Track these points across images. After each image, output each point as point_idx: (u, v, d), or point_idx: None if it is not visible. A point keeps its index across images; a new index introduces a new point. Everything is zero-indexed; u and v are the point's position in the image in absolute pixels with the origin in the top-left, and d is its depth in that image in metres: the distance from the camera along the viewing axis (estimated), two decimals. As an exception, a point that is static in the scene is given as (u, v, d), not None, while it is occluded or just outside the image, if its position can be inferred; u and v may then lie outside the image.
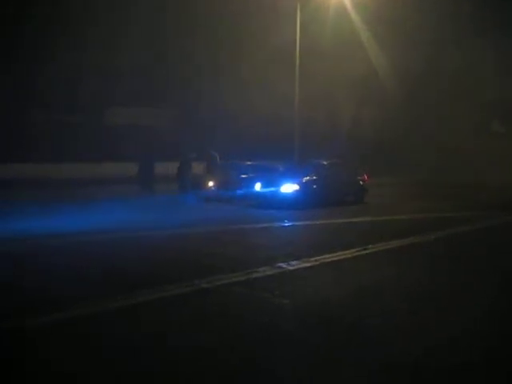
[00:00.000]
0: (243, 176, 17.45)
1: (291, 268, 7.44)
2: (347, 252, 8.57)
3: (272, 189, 15.70)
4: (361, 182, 17.38)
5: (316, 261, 7.88)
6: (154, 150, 19.46)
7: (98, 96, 24.54)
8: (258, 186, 16.06)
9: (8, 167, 20.79)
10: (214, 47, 26.56)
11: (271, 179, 16.26)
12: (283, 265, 7.54)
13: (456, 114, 32.99)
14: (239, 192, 16.66)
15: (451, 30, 30.37)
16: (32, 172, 21.01)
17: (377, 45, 29.10)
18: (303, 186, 15.60)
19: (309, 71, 23.39)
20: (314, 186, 15.84)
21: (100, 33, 23.26)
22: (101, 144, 23.32)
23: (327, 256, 8.19)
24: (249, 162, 18.71)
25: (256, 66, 25.89)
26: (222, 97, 26.82)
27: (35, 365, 4.23)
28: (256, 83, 26.34)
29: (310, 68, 23.70)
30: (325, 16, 24.33)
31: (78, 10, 23.41)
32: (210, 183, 16.75)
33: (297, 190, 15.42)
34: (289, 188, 15.49)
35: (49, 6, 22.83)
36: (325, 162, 17.11)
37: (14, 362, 4.28)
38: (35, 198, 15.99)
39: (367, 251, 8.75)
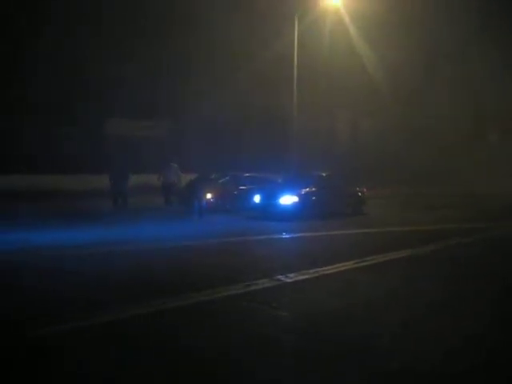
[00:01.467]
0: (242, 188, 17.43)
1: (289, 280, 7.37)
2: (346, 264, 8.50)
3: (271, 200, 15.67)
4: (359, 194, 17.36)
5: (315, 272, 7.82)
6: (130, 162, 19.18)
7: (97, 108, 24.67)
8: (256, 198, 16.02)
9: (7, 179, 20.80)
10: (212, 59, 26.71)
11: (270, 191, 16.25)
12: (282, 277, 7.48)
13: (454, 124, 33.14)
14: (238, 204, 16.63)
15: (449, 40, 30.59)
16: (32, 184, 21.05)
17: (374, 55, 29.27)
18: (302, 197, 15.58)
19: (307, 82, 23.46)
20: (313, 198, 15.82)
21: (100, 44, 23.48)
22: (100, 155, 23.33)
23: (326, 268, 8.13)
24: (247, 174, 18.68)
25: (254, 78, 26.04)
26: (221, 108, 26.93)
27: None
28: (254, 94, 26.48)
29: (308, 79, 23.79)
30: (322, 27, 24.51)
31: (78, 21, 23.59)
32: (209, 195, 16.68)
33: (296, 202, 15.39)
34: (288, 200, 15.46)
35: (52, 18, 23.02)
36: (324, 174, 17.12)
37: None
38: (35, 210, 16.03)
39: (366, 263, 8.68)
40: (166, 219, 15.26)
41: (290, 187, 16.25)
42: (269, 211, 15.45)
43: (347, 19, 24.31)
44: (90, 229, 12.74)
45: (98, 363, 4.41)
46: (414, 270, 8.44)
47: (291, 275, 7.59)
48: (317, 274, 7.75)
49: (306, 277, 7.60)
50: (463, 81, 33.43)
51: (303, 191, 15.84)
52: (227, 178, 18.25)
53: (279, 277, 7.49)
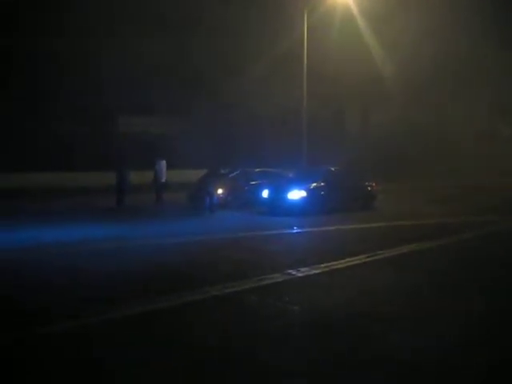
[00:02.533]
0: (253, 183, 17.41)
1: (301, 275, 7.42)
2: (356, 258, 8.53)
3: (279, 195, 15.65)
4: (369, 188, 17.28)
5: (326, 267, 7.86)
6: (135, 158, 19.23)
7: (110, 105, 24.77)
8: (265, 193, 16.02)
9: (22, 176, 20.99)
10: (222, 55, 26.67)
11: (278, 186, 16.22)
12: (293, 271, 7.53)
13: (462, 118, 32.90)
14: (248, 199, 16.59)
15: (457, 33, 30.35)
16: (46, 181, 21.23)
17: (382, 49, 29.08)
18: (310, 192, 15.53)
19: (316, 76, 23.32)
20: (322, 193, 15.76)
21: (112, 43, 23.56)
22: (113, 152, 23.42)
23: (336, 262, 8.16)
24: (258, 169, 18.64)
25: (265, 72, 26.00)
26: (232, 104, 26.93)
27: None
28: (263, 89, 26.44)
29: (318, 73, 23.65)
30: (332, 21, 24.39)
31: (92, 21, 23.68)
32: (219, 191, 16.69)
33: (304, 197, 15.35)
34: (296, 195, 15.43)
35: (67, 19, 23.12)
36: (332, 168, 17.05)
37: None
38: (48, 207, 16.23)
39: (377, 257, 8.70)
40: (178, 215, 15.34)
41: (298, 182, 16.21)
42: (277, 206, 15.43)
43: (356, 13, 24.13)
44: (102, 225, 12.86)
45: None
46: (424, 264, 8.42)
47: (302, 270, 7.64)
48: (328, 269, 7.78)
49: (317, 271, 7.64)
50: (474, 72, 33.17)
51: (311, 186, 15.77)
52: (237, 173, 18.25)
53: (290, 271, 7.54)
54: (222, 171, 17.33)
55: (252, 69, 26.21)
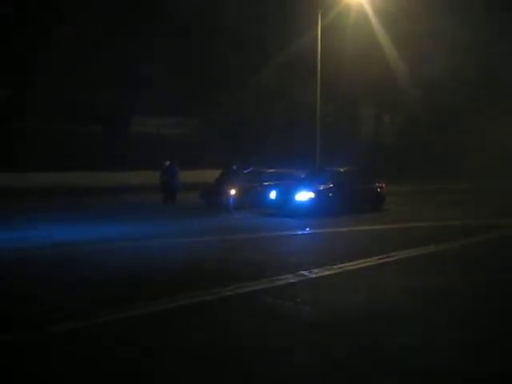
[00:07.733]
0: (265, 184, 17.31)
1: (313, 276, 7.32)
2: (369, 260, 8.40)
3: (287, 197, 15.52)
4: (378, 190, 17.12)
5: (339, 268, 7.75)
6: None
7: (123, 106, 24.80)
8: (272, 194, 15.90)
9: (36, 176, 20.99)
10: (236, 56, 26.58)
11: (287, 187, 16.10)
12: (305, 272, 7.42)
13: (479, 118, 32.60)
14: (261, 200, 16.41)
15: (472, 33, 30.16)
16: (62, 180, 21.26)
17: (397, 49, 28.90)
18: (319, 193, 15.41)
19: (330, 77, 23.16)
20: (330, 194, 15.64)
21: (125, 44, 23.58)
22: (127, 153, 23.45)
23: (349, 264, 8.05)
24: (271, 170, 18.61)
25: (278, 74, 25.96)
26: (246, 105, 26.89)
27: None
28: (278, 91, 26.40)
29: (332, 75, 23.50)
30: (346, 22, 24.28)
31: (105, 20, 23.74)
32: (233, 191, 16.58)
33: (312, 198, 15.23)
34: (304, 196, 15.30)
35: (79, 21, 23.14)
36: (341, 170, 16.92)
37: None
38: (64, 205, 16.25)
39: (390, 259, 8.57)
40: (194, 215, 15.29)
41: (306, 183, 16.11)
42: (285, 208, 15.30)
43: (370, 14, 23.96)
44: (116, 225, 12.83)
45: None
46: (435, 266, 8.25)
47: (315, 270, 7.53)
48: (341, 270, 7.68)
49: (330, 272, 7.53)
50: (489, 72, 32.95)
51: (320, 187, 15.67)
52: (250, 174, 18.21)
53: (303, 272, 7.42)
54: (236, 173, 17.22)
55: (266, 70, 26.15)
